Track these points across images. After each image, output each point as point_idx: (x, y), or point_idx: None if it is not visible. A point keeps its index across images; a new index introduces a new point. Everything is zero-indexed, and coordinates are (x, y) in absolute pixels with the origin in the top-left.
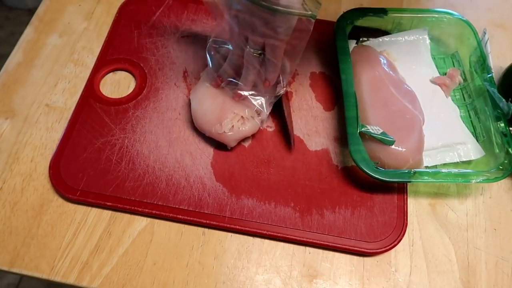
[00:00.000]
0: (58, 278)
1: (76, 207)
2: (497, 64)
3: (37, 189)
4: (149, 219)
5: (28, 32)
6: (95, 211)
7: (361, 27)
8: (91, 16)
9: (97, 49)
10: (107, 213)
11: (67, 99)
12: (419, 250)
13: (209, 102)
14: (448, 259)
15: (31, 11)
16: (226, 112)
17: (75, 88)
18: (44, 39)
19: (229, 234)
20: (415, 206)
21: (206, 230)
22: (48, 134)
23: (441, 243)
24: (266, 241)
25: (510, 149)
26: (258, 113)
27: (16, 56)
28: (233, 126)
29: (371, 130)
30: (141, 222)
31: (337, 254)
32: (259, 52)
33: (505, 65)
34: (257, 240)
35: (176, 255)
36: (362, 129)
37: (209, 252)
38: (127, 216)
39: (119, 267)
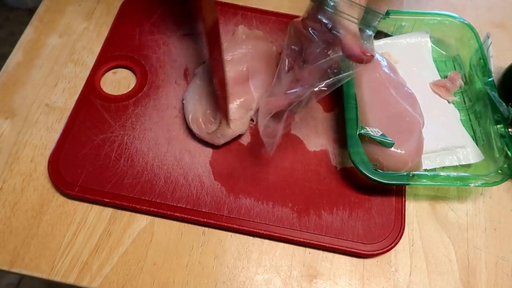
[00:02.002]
0: (58, 278)
1: (76, 207)
2: (497, 64)
3: (37, 189)
4: (149, 219)
5: (28, 32)
6: (95, 211)
7: None
8: (91, 16)
9: (97, 49)
10: (107, 213)
11: (67, 99)
12: (419, 250)
13: (196, 103)
14: (448, 259)
15: (31, 11)
16: (211, 111)
17: (75, 88)
18: (44, 39)
19: (229, 234)
20: (415, 206)
21: (206, 230)
22: (48, 134)
23: (441, 243)
24: (266, 241)
25: (509, 151)
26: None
27: (16, 56)
28: (219, 127)
29: (370, 132)
30: (141, 222)
31: (337, 254)
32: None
33: (505, 65)
34: (257, 240)
35: (176, 255)
36: (362, 131)
37: (209, 252)
38: (127, 216)
39: (119, 267)
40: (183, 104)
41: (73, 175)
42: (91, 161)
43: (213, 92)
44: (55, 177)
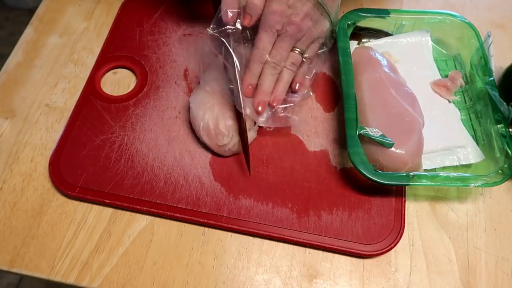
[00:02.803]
0: (58, 278)
1: (76, 207)
2: (497, 64)
3: (37, 189)
4: (149, 219)
5: (28, 32)
6: (95, 211)
7: (363, 28)
8: (91, 16)
9: (97, 49)
10: (107, 213)
11: (67, 99)
12: (419, 250)
13: (208, 111)
14: (448, 259)
15: (31, 11)
16: (224, 124)
17: (75, 88)
18: (44, 39)
19: (229, 234)
20: (415, 206)
21: (206, 230)
22: (48, 134)
23: (441, 243)
24: (266, 241)
25: (509, 151)
26: (254, 122)
27: (16, 56)
28: (230, 141)
29: (370, 132)
30: (141, 222)
31: (337, 254)
32: (303, 53)
33: (505, 65)
34: (257, 240)
35: (176, 255)
36: (361, 131)
37: (209, 252)
38: (127, 216)
39: (119, 267)
40: (189, 108)
41: (73, 176)
42: (92, 162)
43: (226, 104)
44: (55, 178)
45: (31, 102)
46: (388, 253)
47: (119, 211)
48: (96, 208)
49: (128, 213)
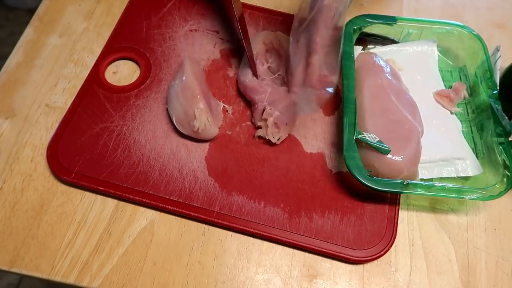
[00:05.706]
0: (58, 278)
1: (76, 207)
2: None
3: (37, 189)
4: (149, 219)
5: (28, 32)
6: (94, 211)
7: (369, 34)
8: (91, 16)
9: (97, 49)
10: (107, 213)
11: (67, 99)
12: (419, 250)
13: (177, 101)
14: (448, 259)
15: (31, 11)
16: (192, 109)
17: (75, 88)
18: (44, 39)
19: (229, 234)
20: (415, 206)
21: (206, 230)
22: (48, 134)
23: (441, 243)
24: (266, 241)
25: (507, 160)
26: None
27: (16, 56)
28: (205, 123)
29: (367, 138)
30: (141, 222)
31: None
32: None
33: (505, 65)
34: (257, 240)
35: (176, 255)
36: (359, 136)
37: (209, 252)
38: (127, 216)
39: (119, 267)
40: (167, 109)
41: (70, 162)
42: (89, 149)
43: (186, 87)
44: (52, 162)
45: (31, 102)
46: (388, 252)
47: (119, 211)
48: (96, 208)
49: (128, 213)
